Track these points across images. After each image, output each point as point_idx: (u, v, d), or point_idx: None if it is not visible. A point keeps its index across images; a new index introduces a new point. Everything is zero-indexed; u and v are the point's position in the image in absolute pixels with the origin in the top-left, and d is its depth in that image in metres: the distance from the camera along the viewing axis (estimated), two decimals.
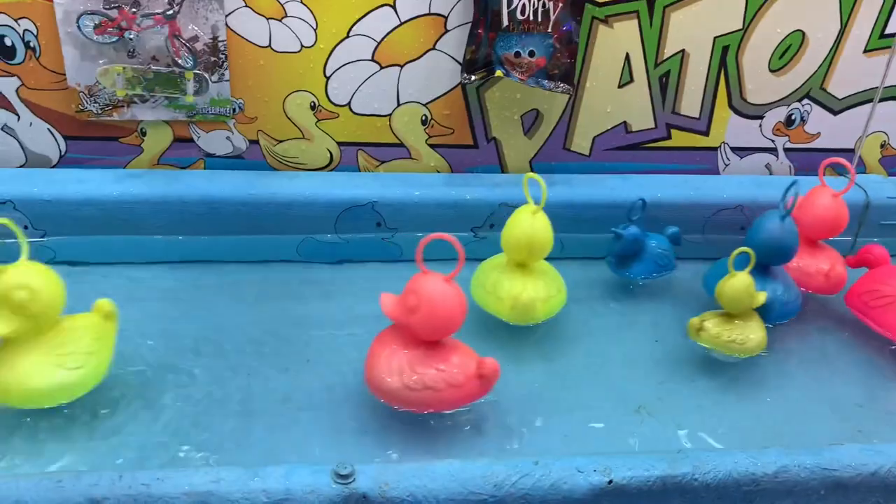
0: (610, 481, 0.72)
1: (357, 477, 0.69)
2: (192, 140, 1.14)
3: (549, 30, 1.06)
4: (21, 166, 1.13)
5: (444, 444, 0.87)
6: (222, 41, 1.06)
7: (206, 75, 1.07)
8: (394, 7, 1.07)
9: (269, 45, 1.08)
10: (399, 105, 1.14)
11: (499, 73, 1.06)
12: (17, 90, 1.07)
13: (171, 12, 1.01)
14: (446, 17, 1.08)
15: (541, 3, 1.04)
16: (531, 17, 1.04)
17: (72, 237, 1.09)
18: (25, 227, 1.07)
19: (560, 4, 1.05)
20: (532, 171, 1.21)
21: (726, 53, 1.17)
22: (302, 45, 1.08)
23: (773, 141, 1.26)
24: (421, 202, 1.14)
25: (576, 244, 1.18)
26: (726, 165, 1.26)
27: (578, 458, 0.73)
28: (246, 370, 0.94)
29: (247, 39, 1.07)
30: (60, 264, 1.09)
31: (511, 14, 1.04)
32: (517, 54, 1.06)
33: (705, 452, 0.76)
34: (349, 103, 1.13)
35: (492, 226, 1.15)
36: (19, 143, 1.11)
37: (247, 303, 1.06)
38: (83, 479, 0.66)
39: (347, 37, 1.08)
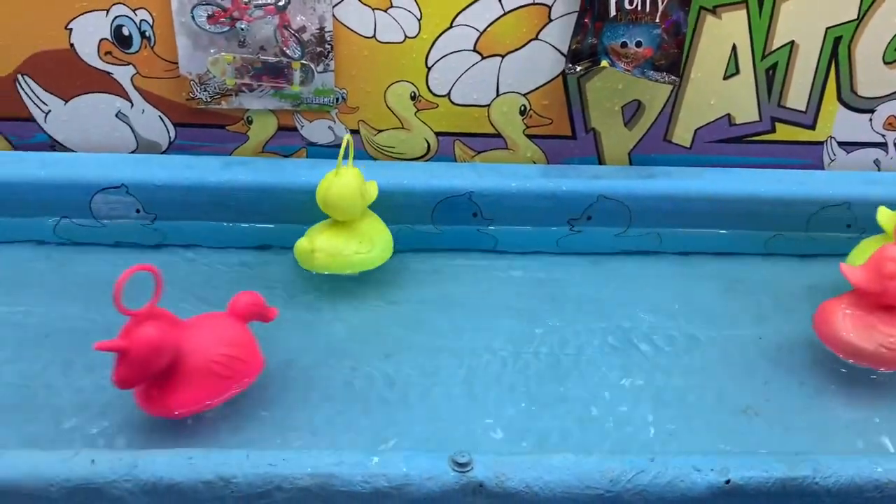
0: (727, 481, 0.71)
1: (474, 466, 0.69)
2: (295, 129, 1.16)
3: (657, 20, 1.04)
4: (132, 152, 1.17)
5: None
6: (329, 32, 1.07)
7: (312, 65, 1.09)
8: None
9: (374, 36, 1.09)
10: (498, 95, 1.14)
11: (604, 63, 1.05)
12: (131, 78, 1.11)
13: (282, 3, 1.03)
14: (550, 7, 1.07)
15: None
16: (639, 7, 1.03)
17: (181, 222, 1.13)
18: (137, 211, 1.12)
19: None
20: (630, 162, 1.20)
21: (838, 45, 1.13)
22: (406, 36, 1.09)
23: (883, 136, 1.21)
24: (518, 193, 1.13)
25: (674, 238, 1.16)
26: (832, 161, 1.22)
27: (695, 457, 0.72)
28: (351, 361, 0.97)
29: (352, 30, 1.08)
30: (171, 247, 1.14)
31: (619, 4, 1.02)
32: (624, 44, 1.04)
33: (825, 456, 0.74)
34: (449, 94, 1.14)
35: (589, 218, 1.14)
36: (132, 129, 1.15)
37: (346, 290, 1.08)
38: (212, 458, 0.69)
39: (450, 27, 1.09)
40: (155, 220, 1.12)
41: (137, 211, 1.12)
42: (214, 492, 0.68)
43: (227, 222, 1.12)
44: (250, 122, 1.15)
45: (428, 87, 1.13)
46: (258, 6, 1.03)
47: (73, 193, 1.10)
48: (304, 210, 1.11)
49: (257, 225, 1.13)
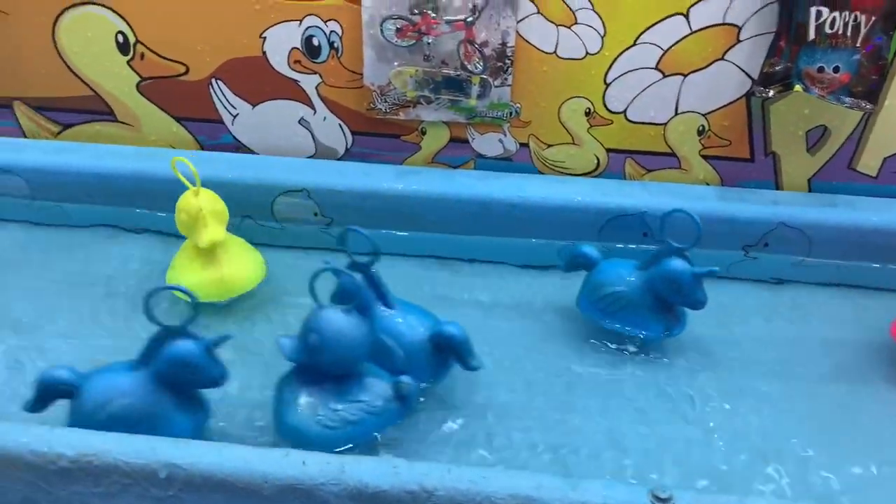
0: None
1: (676, 502, 0.69)
2: (466, 141, 1.18)
3: (858, 44, 0.99)
4: (310, 157, 1.22)
5: None
6: (510, 47, 1.08)
7: (491, 80, 1.10)
8: (686, 16, 1.05)
9: (555, 52, 1.09)
10: (676, 114, 1.12)
11: (797, 87, 1.01)
12: (316, 87, 1.16)
13: (471, 19, 1.05)
14: (740, 28, 1.05)
15: (852, 16, 0.98)
16: (840, 31, 0.98)
17: (359, 228, 1.17)
18: (315, 215, 1.17)
19: (873, 18, 0.98)
20: (810, 189, 1.15)
21: None
22: (587, 52, 1.09)
23: None
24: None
25: (857, 272, 1.11)
26: None
27: None
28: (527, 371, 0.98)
29: (534, 45, 1.09)
30: (344, 252, 1.18)
31: (819, 27, 0.98)
32: (820, 69, 1.00)
33: None
34: (625, 111, 1.13)
35: (766, 245, 1.10)
36: (312, 135, 1.20)
37: (525, 309, 1.09)
38: (416, 468, 0.71)
39: (634, 45, 1.07)
40: (331, 224, 1.17)
41: (315, 214, 1.16)
42: (417, 502, 0.70)
43: (399, 231, 1.16)
44: (424, 133, 1.18)
45: (604, 104, 1.12)
46: (449, 22, 1.05)
47: (257, 195, 1.16)
48: (472, 220, 1.13)
49: (427, 234, 1.16)
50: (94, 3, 1.12)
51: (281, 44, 1.12)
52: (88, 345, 1.00)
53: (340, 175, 1.16)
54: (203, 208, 1.01)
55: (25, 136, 1.24)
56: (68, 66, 1.17)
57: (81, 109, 1.21)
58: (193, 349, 0.79)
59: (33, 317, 1.04)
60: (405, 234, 1.15)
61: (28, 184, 1.17)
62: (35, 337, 1.00)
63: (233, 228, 1.17)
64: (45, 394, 0.80)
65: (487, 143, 1.18)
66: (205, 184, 1.16)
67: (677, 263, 0.94)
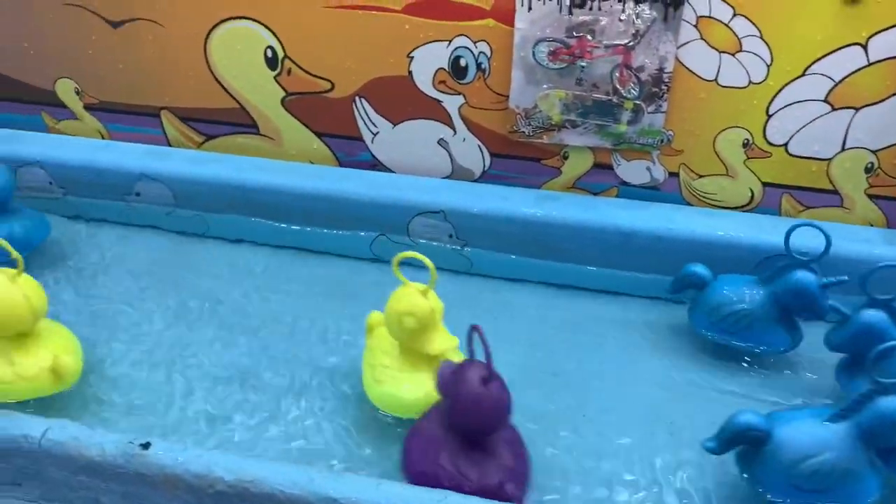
0: None
1: None
2: (610, 167, 1.14)
3: None
4: (446, 177, 1.20)
5: None
6: (668, 73, 1.03)
7: (644, 105, 1.06)
8: (864, 47, 0.98)
9: (715, 79, 1.03)
10: (843, 150, 1.04)
11: None
12: (459, 108, 1.14)
13: (631, 43, 1.01)
14: None
15: None
16: None
17: (489, 251, 1.14)
18: (450, 237, 1.15)
19: None
20: None
21: None
22: (750, 81, 1.03)
23: None
24: (856, 258, 1.03)
25: None
26: None
27: None
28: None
29: (693, 72, 1.04)
30: (475, 276, 1.15)
31: None
32: None
33: None
34: (786, 143, 1.06)
35: None
36: (450, 155, 1.18)
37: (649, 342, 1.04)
38: None
39: (802, 75, 1.01)
40: (465, 246, 1.14)
41: (450, 236, 1.14)
42: None
43: (535, 258, 1.12)
44: (566, 158, 1.14)
45: (764, 136, 1.06)
46: (608, 46, 1.01)
47: (393, 213, 1.14)
48: (617, 251, 1.09)
49: (566, 264, 1.12)
50: (248, 18, 1.14)
51: (428, 64, 1.11)
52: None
53: (478, 198, 1.13)
54: (436, 310, 0.86)
55: (170, 145, 1.28)
56: (216, 79, 1.19)
57: (226, 121, 1.23)
58: None
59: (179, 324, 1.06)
60: (540, 261, 1.12)
61: (172, 192, 1.20)
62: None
63: (364, 245, 1.18)
64: (735, 438, 0.77)
65: (634, 171, 1.13)
66: (341, 201, 1.18)
67: (805, 275, 0.92)
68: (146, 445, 0.73)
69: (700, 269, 1.00)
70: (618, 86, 1.05)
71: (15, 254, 0.85)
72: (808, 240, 0.98)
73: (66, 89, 1.26)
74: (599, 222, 1.09)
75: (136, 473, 0.73)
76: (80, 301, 1.08)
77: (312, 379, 0.96)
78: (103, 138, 1.29)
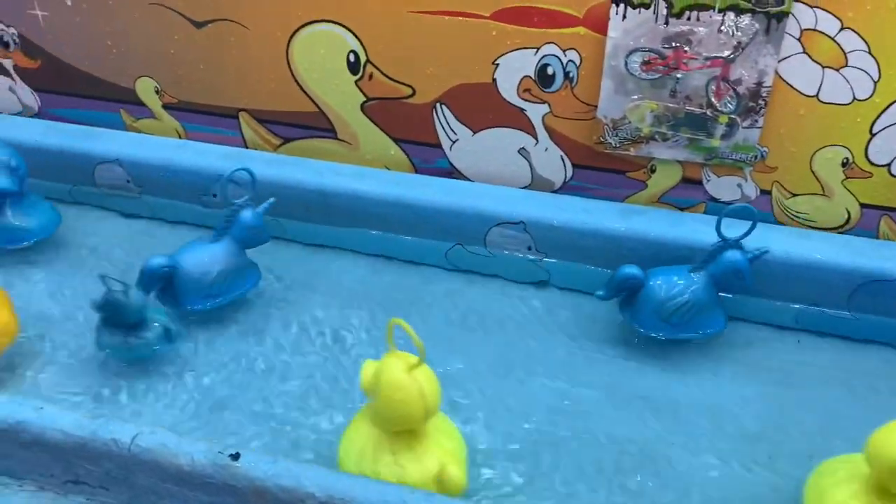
0: None
1: None
2: (699, 182, 1.10)
3: None
4: (524, 187, 1.17)
5: None
6: (766, 87, 0.99)
7: (739, 120, 1.02)
8: None
9: (816, 95, 0.99)
10: None
11: None
12: (543, 116, 1.11)
13: (731, 56, 0.97)
14: None
15: None
16: None
17: (571, 264, 1.11)
18: (529, 248, 1.12)
19: None
20: None
21: None
22: (854, 98, 0.98)
23: None
24: None
25: None
26: None
27: None
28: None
29: (793, 87, 0.99)
30: (555, 288, 1.13)
31: None
32: None
33: None
34: (890, 164, 1.01)
35: None
36: (530, 165, 1.16)
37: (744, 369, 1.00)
38: None
39: None
40: (544, 258, 1.12)
41: (529, 248, 1.12)
42: None
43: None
44: (653, 171, 1.11)
45: (866, 155, 1.01)
46: (708, 58, 0.98)
47: (471, 223, 1.12)
48: None
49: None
50: (332, 22, 1.12)
51: (513, 71, 1.09)
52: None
53: (559, 209, 1.11)
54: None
55: (246, 147, 1.27)
56: (297, 81, 1.19)
57: (304, 125, 1.22)
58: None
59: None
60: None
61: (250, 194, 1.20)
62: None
63: (439, 254, 1.16)
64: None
65: (724, 187, 1.09)
66: (418, 208, 1.16)
67: (737, 255, 0.97)
68: (236, 456, 0.72)
69: (634, 269, 0.99)
70: (713, 99, 1.01)
71: (418, 342, 0.71)
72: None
73: (146, 88, 1.26)
74: (687, 239, 1.05)
75: (224, 484, 0.71)
76: None
77: None
78: (180, 138, 1.29)
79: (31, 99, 1.34)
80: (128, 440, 0.73)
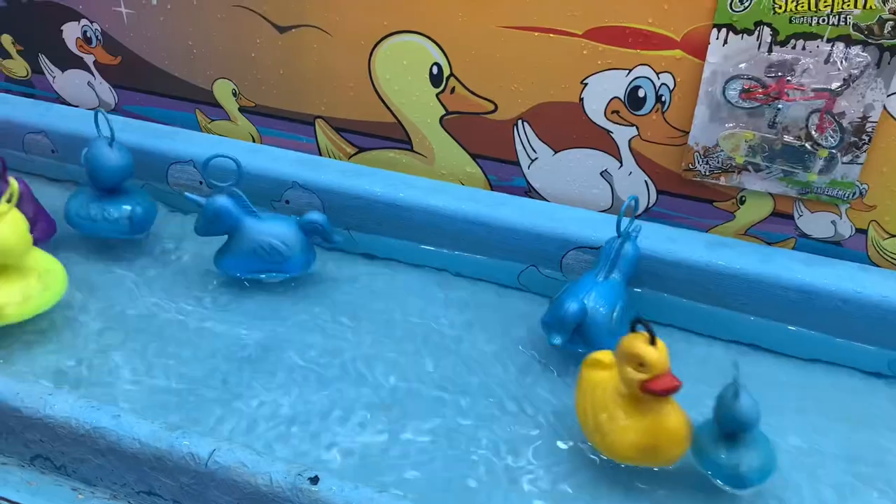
0: None
1: None
2: (790, 217, 1.05)
3: None
4: (604, 211, 1.13)
5: None
6: (872, 122, 0.95)
7: (839, 155, 0.97)
8: None
9: None
10: None
11: None
12: (629, 140, 1.08)
13: (839, 89, 0.93)
14: None
15: None
16: None
17: (649, 291, 1.08)
18: None
19: None
20: None
21: None
22: None
23: None
24: None
25: None
26: None
27: None
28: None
29: None
30: None
31: None
32: None
33: None
34: None
35: None
36: (612, 189, 1.12)
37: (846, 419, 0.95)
38: None
39: None
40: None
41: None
42: None
43: (704, 303, 1.05)
44: (742, 203, 1.06)
45: None
46: (814, 89, 0.93)
47: (548, 245, 1.09)
48: (794, 308, 1.00)
49: (735, 313, 1.04)
50: (418, 33, 1.10)
51: (602, 92, 1.05)
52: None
53: (642, 236, 1.07)
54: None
55: (320, 154, 1.26)
56: (377, 92, 1.17)
57: (379, 135, 1.20)
58: None
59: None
60: (709, 307, 1.04)
61: (322, 203, 1.18)
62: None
63: (511, 276, 1.13)
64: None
65: (816, 223, 1.04)
66: (492, 227, 1.13)
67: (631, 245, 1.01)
68: (315, 480, 0.69)
69: (577, 301, 0.95)
70: (813, 132, 0.97)
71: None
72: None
73: (223, 90, 1.26)
74: (777, 276, 1.01)
75: None
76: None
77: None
78: (254, 142, 1.28)
79: (108, 95, 1.34)
80: (205, 455, 0.71)
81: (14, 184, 0.95)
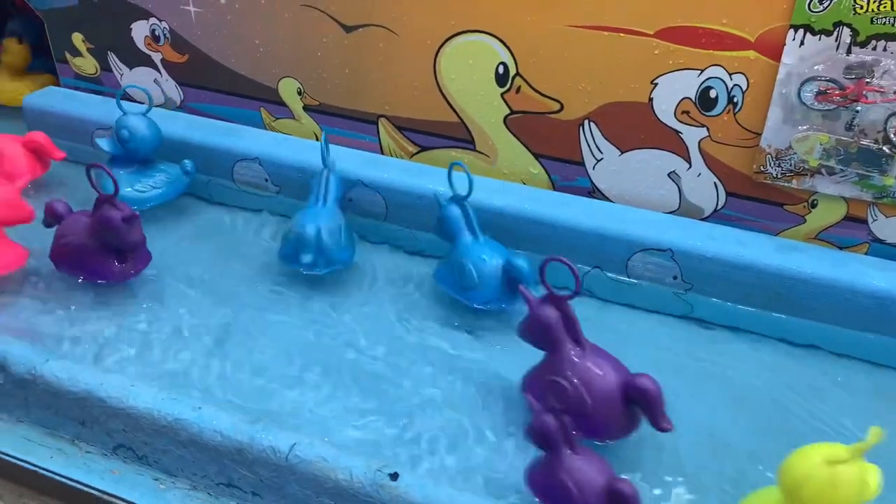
0: None
1: None
2: (864, 221, 1.03)
3: None
4: (671, 213, 1.13)
5: None
6: None
7: None
8: None
9: None
10: None
11: None
12: (699, 141, 1.07)
13: None
14: None
15: None
16: None
17: (716, 299, 1.06)
18: (674, 278, 1.07)
19: None
20: None
21: None
22: None
23: None
24: None
25: None
26: None
27: None
28: None
29: None
30: (692, 320, 1.08)
31: None
32: None
33: None
34: None
35: None
36: (679, 190, 1.11)
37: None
38: None
39: None
40: (689, 290, 1.07)
41: (674, 278, 1.07)
42: None
43: (773, 311, 1.03)
44: (814, 206, 1.04)
45: None
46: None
47: (614, 247, 1.08)
48: (865, 315, 0.99)
49: (805, 321, 1.02)
50: (485, 32, 1.11)
51: (672, 92, 1.04)
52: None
53: (710, 239, 1.05)
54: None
55: (382, 153, 1.27)
56: (441, 91, 1.17)
57: (442, 134, 1.21)
58: None
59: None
60: (780, 315, 1.03)
61: (385, 202, 1.19)
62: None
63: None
64: None
65: (891, 228, 1.02)
66: (557, 227, 1.12)
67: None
68: (394, 476, 0.70)
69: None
70: (892, 135, 0.95)
71: None
72: None
73: (288, 89, 1.27)
74: (850, 281, 0.99)
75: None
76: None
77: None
78: (317, 140, 1.30)
79: (174, 92, 1.37)
80: (286, 449, 0.72)
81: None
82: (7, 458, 0.80)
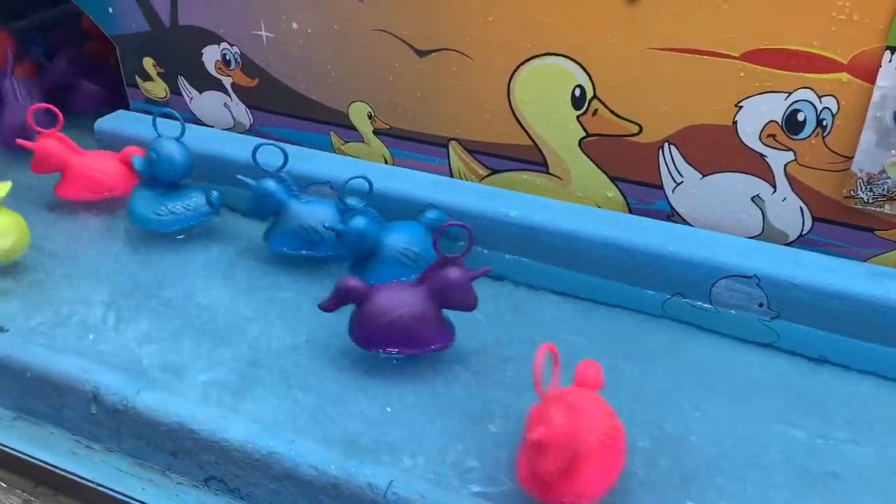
0: None
1: None
2: None
3: None
4: (754, 237, 1.10)
5: None
6: None
7: None
8: None
9: None
10: None
11: None
12: (785, 165, 1.04)
13: None
14: None
15: None
16: None
17: (803, 326, 1.03)
18: (760, 305, 1.04)
19: None
20: None
21: None
22: None
23: None
24: None
25: None
26: None
27: None
28: None
29: None
30: (786, 353, 1.04)
31: None
32: None
33: None
34: None
35: None
36: (763, 214, 1.08)
37: None
38: None
39: None
40: (775, 318, 1.04)
41: (760, 305, 1.04)
42: None
43: (864, 340, 1.00)
44: None
45: None
46: None
47: (696, 273, 1.06)
48: None
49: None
50: (562, 55, 1.09)
51: (758, 115, 1.02)
52: None
53: (799, 266, 1.02)
54: None
55: (451, 176, 1.26)
56: (514, 114, 1.16)
57: (514, 157, 1.19)
58: None
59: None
60: (872, 345, 0.99)
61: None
62: None
63: (655, 304, 1.10)
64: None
65: None
66: (635, 252, 1.09)
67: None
68: None
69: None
70: None
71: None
72: None
73: (359, 113, 1.27)
74: None
75: None
76: None
77: None
78: (386, 163, 1.29)
79: (244, 116, 1.38)
80: (384, 486, 0.71)
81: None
82: (99, 488, 0.81)
